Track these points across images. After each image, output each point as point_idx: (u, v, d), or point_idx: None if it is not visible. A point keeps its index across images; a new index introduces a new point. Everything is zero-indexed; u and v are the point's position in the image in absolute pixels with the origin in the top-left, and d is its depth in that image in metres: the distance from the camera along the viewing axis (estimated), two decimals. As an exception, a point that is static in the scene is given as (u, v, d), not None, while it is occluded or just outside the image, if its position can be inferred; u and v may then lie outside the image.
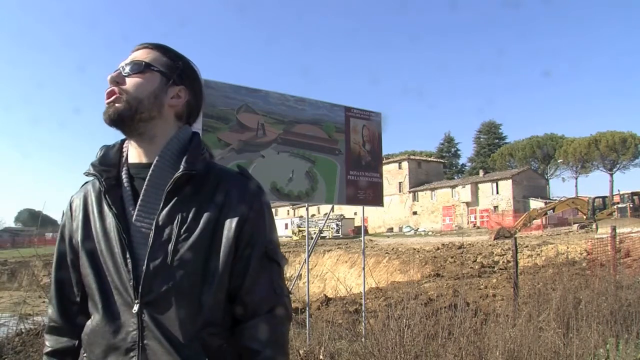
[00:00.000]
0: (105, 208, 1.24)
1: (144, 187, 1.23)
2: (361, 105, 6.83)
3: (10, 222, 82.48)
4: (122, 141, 1.35)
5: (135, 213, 1.21)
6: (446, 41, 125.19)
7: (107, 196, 1.22)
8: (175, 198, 1.21)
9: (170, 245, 1.18)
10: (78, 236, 1.28)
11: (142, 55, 1.31)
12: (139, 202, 1.22)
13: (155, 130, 1.28)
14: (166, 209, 1.20)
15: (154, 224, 1.19)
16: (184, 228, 1.19)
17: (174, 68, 1.32)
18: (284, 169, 5.93)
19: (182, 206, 1.21)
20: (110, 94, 1.26)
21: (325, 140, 6.33)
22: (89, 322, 1.25)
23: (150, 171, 1.24)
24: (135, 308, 1.16)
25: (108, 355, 1.19)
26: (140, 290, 1.16)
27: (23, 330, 5.82)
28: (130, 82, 1.26)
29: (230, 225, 1.22)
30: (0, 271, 32.95)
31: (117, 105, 1.24)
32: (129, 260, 1.18)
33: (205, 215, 1.21)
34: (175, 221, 1.19)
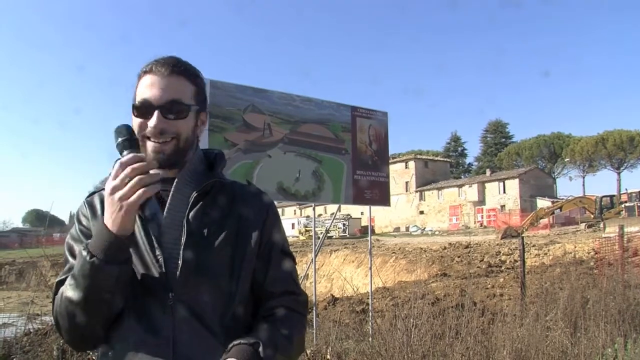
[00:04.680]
0: None
1: (171, 193, 1.30)
2: (365, 106, 6.82)
3: (18, 223, 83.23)
4: None
5: (164, 214, 1.28)
6: (450, 41, 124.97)
7: None
8: (201, 201, 1.31)
9: (201, 242, 1.27)
10: None
11: (178, 87, 1.29)
12: (167, 205, 1.29)
13: (186, 158, 1.35)
14: (194, 210, 1.29)
15: (185, 223, 1.27)
16: (213, 227, 1.30)
17: (202, 97, 1.36)
18: (291, 169, 5.94)
19: (208, 208, 1.31)
20: (163, 145, 1.27)
21: (331, 140, 6.33)
22: (116, 320, 1.24)
23: (175, 182, 1.31)
24: (169, 304, 1.21)
25: (140, 350, 1.20)
26: (174, 286, 1.22)
27: (31, 330, 5.87)
28: (176, 127, 1.28)
29: (254, 223, 1.34)
30: (8, 271, 33.23)
31: (167, 154, 1.28)
32: (160, 258, 1.24)
33: (230, 215, 1.33)
34: (204, 220, 1.29)
